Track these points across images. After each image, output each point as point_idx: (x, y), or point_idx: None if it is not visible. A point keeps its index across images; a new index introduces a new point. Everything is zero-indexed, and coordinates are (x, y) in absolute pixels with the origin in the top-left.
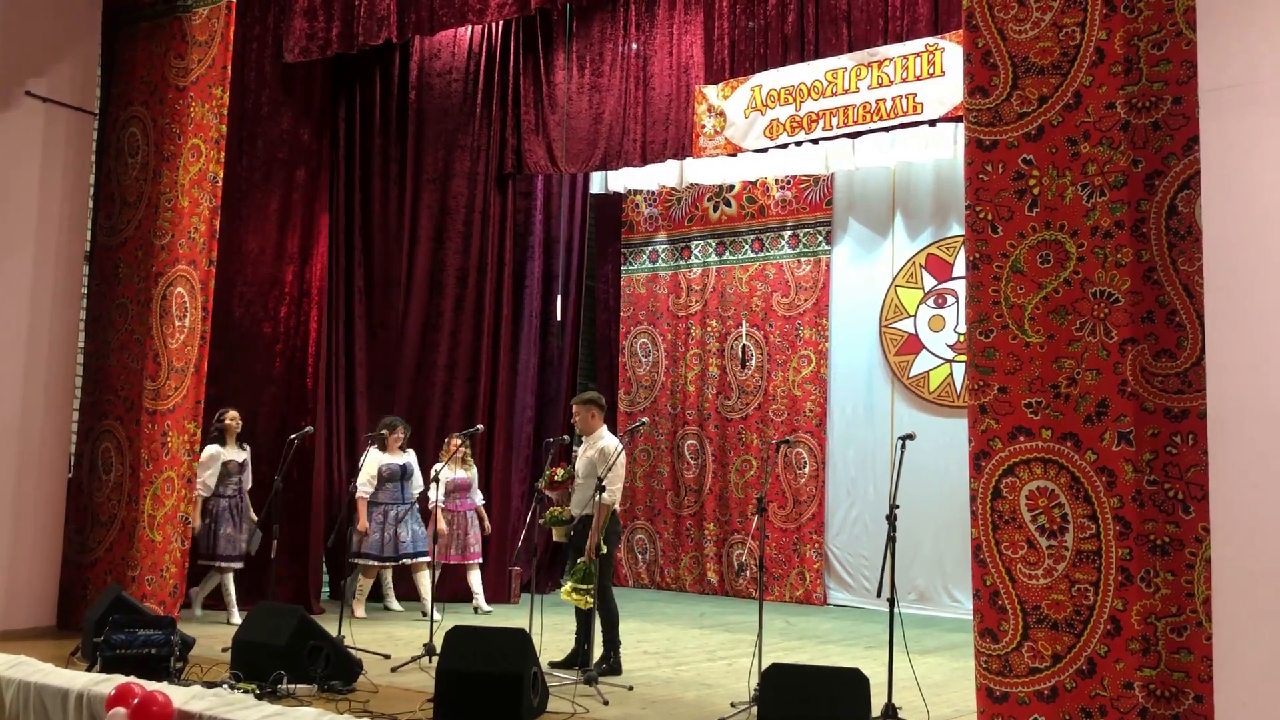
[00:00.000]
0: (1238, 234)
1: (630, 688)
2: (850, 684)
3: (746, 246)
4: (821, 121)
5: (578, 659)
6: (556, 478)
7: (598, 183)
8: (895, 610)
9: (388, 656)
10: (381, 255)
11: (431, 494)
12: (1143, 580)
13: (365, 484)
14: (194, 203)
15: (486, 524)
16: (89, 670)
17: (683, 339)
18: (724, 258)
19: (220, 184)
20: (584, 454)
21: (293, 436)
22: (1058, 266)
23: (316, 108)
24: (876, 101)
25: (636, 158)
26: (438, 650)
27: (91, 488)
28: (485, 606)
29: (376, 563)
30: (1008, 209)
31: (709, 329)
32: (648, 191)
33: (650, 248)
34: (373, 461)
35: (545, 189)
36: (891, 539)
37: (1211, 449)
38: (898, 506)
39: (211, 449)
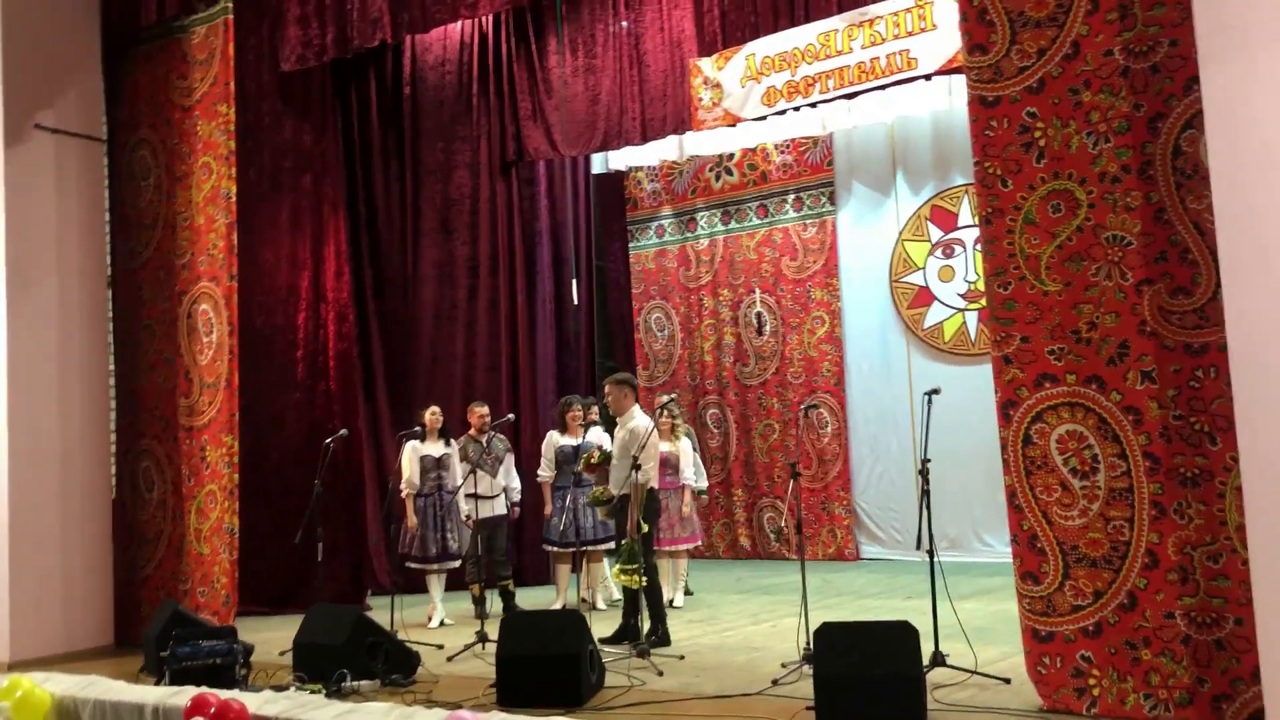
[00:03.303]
0: (1244, 172)
1: (681, 657)
2: (900, 636)
3: (751, 214)
4: (818, 84)
5: (627, 634)
6: (594, 459)
7: (598, 163)
8: (935, 561)
9: (441, 647)
10: (390, 252)
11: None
12: (1176, 512)
13: (544, 469)
14: (210, 220)
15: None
16: (158, 685)
17: (696, 310)
18: (730, 226)
19: (234, 199)
20: (618, 434)
21: (328, 440)
22: (1069, 215)
23: (316, 113)
24: (871, 60)
25: (636, 136)
26: (490, 637)
27: (135, 507)
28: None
29: (560, 547)
30: (1016, 162)
31: (721, 298)
32: (649, 167)
33: (656, 223)
34: (549, 444)
35: (548, 174)
36: (926, 491)
37: (1235, 381)
38: (929, 460)
39: (410, 444)
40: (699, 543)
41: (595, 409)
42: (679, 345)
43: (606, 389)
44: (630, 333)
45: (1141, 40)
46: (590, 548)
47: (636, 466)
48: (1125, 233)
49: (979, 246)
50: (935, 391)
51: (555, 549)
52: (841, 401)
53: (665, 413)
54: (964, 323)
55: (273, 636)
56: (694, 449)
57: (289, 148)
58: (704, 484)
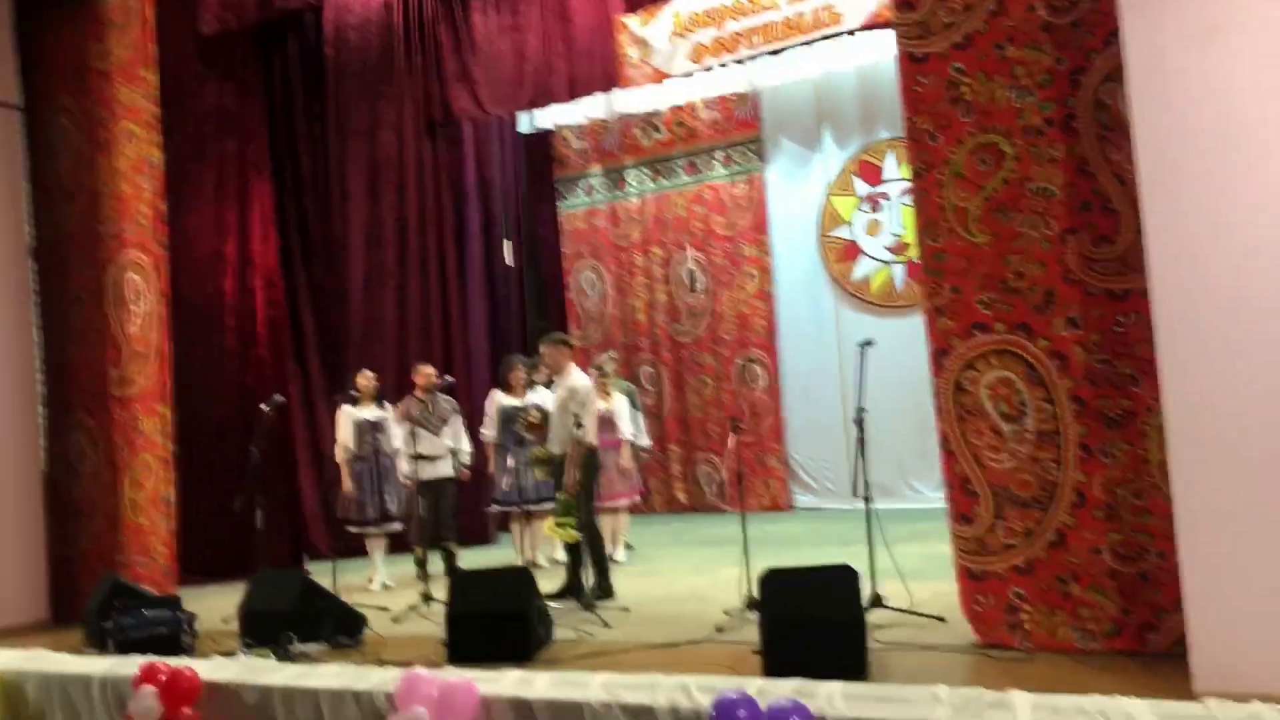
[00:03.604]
0: (1165, 123)
1: (626, 609)
2: (841, 579)
3: (680, 171)
4: (744, 41)
5: (572, 589)
6: (534, 419)
7: (525, 123)
8: (870, 507)
9: (385, 609)
10: (317, 216)
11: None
12: (1101, 453)
13: (488, 429)
14: (136, 188)
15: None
16: (102, 656)
17: (628, 269)
18: (659, 184)
19: (161, 167)
20: (557, 394)
21: (264, 406)
22: (996, 167)
23: (238, 77)
24: (797, 15)
25: (564, 94)
26: (434, 597)
27: (68, 480)
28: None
29: (509, 507)
30: (944, 117)
31: (653, 256)
32: (576, 126)
33: (585, 181)
34: (493, 403)
35: (475, 135)
36: (862, 440)
37: (1156, 326)
38: (865, 410)
39: (345, 409)
40: (639, 497)
41: (541, 370)
42: (611, 304)
43: (542, 349)
44: (562, 292)
45: None
46: (533, 507)
47: (579, 424)
48: (1050, 184)
49: (906, 200)
50: (869, 343)
51: (501, 509)
52: (773, 355)
53: (597, 372)
54: (891, 275)
55: (214, 605)
56: (637, 406)
57: (212, 113)
58: (646, 442)
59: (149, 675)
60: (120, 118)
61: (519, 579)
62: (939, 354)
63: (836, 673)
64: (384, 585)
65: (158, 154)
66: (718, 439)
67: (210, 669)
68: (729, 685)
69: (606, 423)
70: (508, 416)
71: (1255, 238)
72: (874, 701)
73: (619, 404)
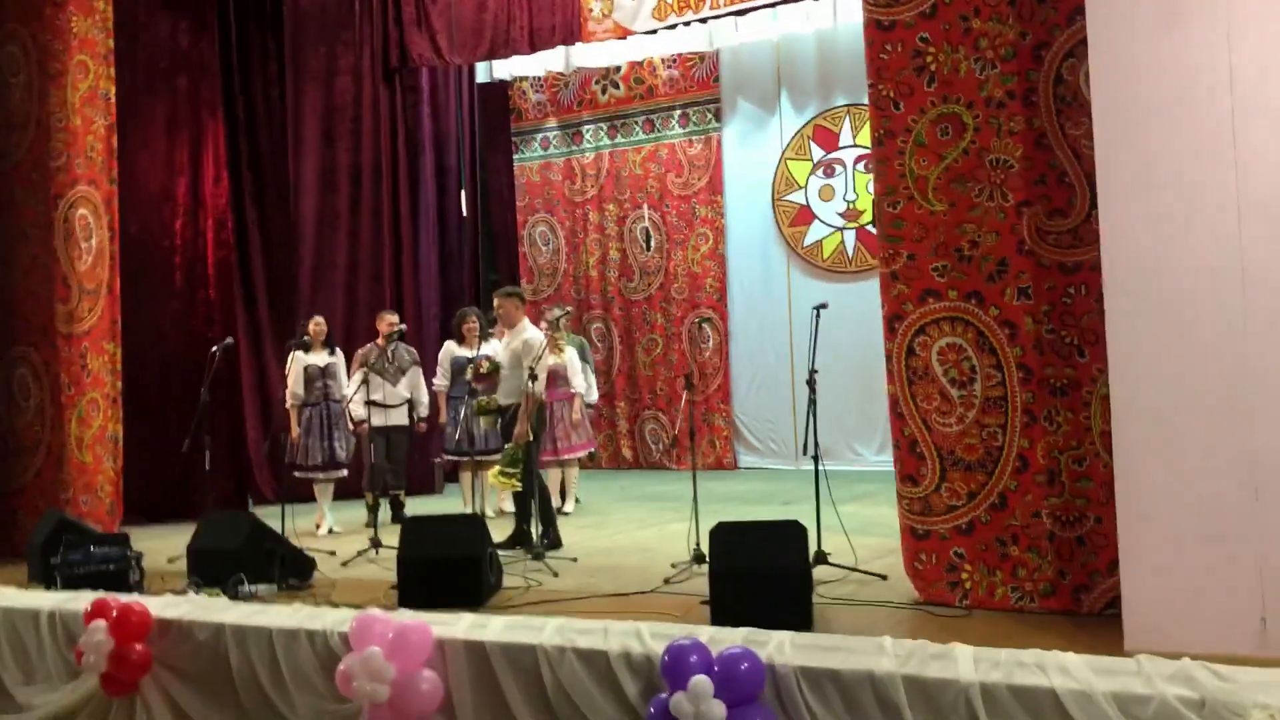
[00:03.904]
0: (1123, 101)
1: (574, 559)
2: (789, 534)
3: (638, 128)
4: (708, 0)
5: (520, 539)
6: (483, 370)
7: (483, 72)
8: (819, 467)
9: (333, 554)
10: (270, 158)
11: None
12: (1045, 420)
13: (440, 379)
14: (87, 121)
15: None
16: (48, 591)
17: (581, 225)
18: (616, 141)
19: (113, 100)
20: (509, 345)
21: (214, 349)
22: (956, 138)
23: (194, 12)
24: None
25: (525, 45)
26: (383, 543)
27: (11, 415)
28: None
29: (459, 457)
30: (908, 86)
31: (607, 213)
32: (534, 78)
33: (541, 135)
34: (446, 354)
35: (431, 82)
36: (813, 401)
37: (1106, 298)
38: (816, 371)
39: (294, 355)
40: (594, 448)
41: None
42: (564, 259)
43: (496, 301)
44: (514, 245)
45: None
46: (483, 458)
47: (534, 377)
48: (1008, 156)
49: (862, 166)
50: (823, 306)
51: (451, 459)
52: (724, 316)
53: (549, 325)
54: (842, 241)
55: (156, 545)
56: (588, 361)
57: (165, 47)
58: (594, 397)
59: (100, 610)
60: (73, 49)
61: (472, 525)
62: (892, 318)
63: (782, 624)
64: (330, 530)
65: (111, 88)
66: (664, 397)
67: (160, 606)
68: (681, 632)
69: (558, 376)
70: (460, 368)
71: (1202, 220)
72: (821, 651)
73: (570, 356)
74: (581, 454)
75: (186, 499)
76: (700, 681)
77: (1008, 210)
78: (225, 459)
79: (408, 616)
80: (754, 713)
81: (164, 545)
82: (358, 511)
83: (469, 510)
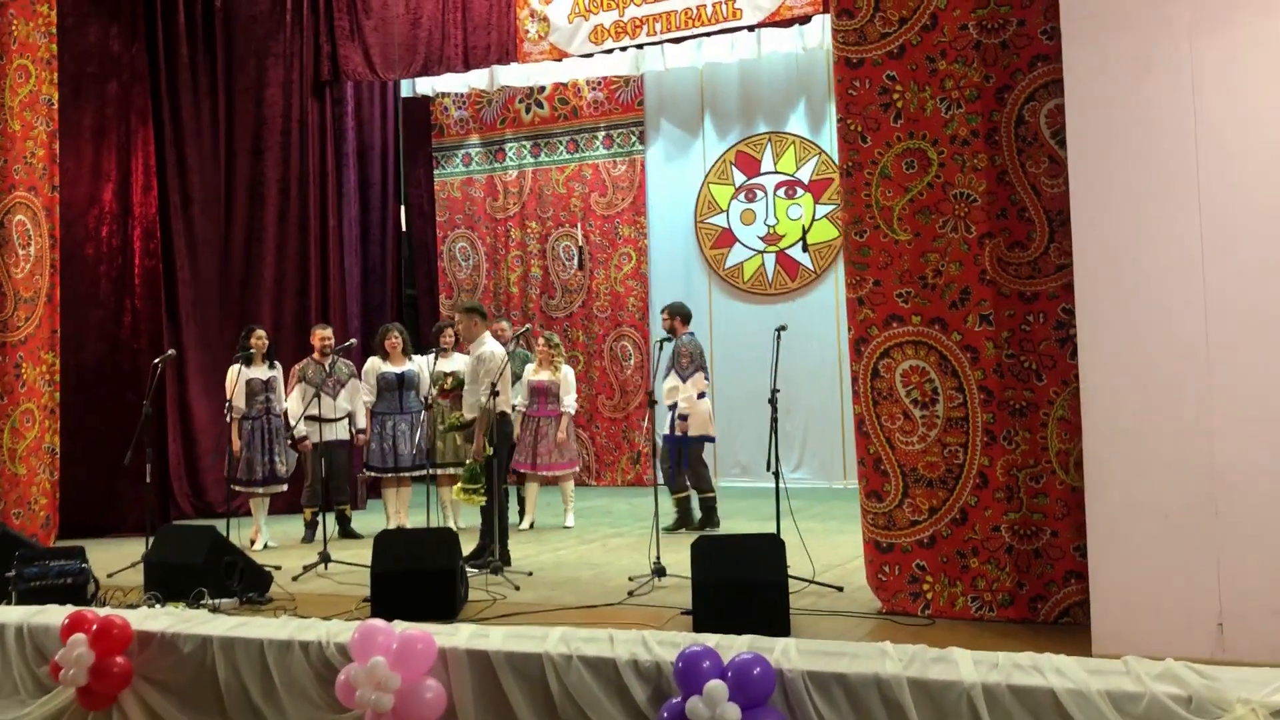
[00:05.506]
0: (1098, 144)
1: (530, 573)
2: (768, 548)
3: (561, 148)
4: (645, 27)
5: (485, 554)
6: (446, 386)
7: (406, 87)
8: (780, 484)
9: (278, 568)
10: (198, 169)
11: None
12: (1005, 439)
13: (365, 395)
14: (27, 126)
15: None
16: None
17: (503, 241)
18: (540, 159)
19: (55, 106)
20: (469, 361)
21: (156, 361)
22: (921, 171)
23: (125, 18)
24: (697, 7)
25: (459, 64)
26: (332, 558)
27: None
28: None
29: (383, 473)
30: (875, 120)
31: (529, 230)
32: (456, 94)
33: (463, 151)
34: (370, 371)
35: (356, 95)
36: (774, 419)
37: (1080, 328)
38: (779, 390)
39: (235, 368)
40: (576, 469)
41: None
42: (484, 275)
43: (457, 318)
44: (434, 260)
45: (994, 18)
46: (405, 474)
47: (495, 393)
48: (971, 190)
49: (782, 194)
50: (783, 328)
51: (374, 474)
52: (645, 335)
53: (546, 342)
54: (762, 264)
55: (111, 559)
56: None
57: (95, 51)
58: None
59: (78, 624)
60: (12, 53)
61: (443, 538)
62: (858, 341)
63: (762, 633)
64: (266, 545)
65: (54, 93)
66: (584, 414)
67: (139, 618)
68: (685, 640)
69: (550, 393)
70: (386, 383)
71: (1168, 256)
72: (826, 656)
73: (567, 375)
74: (561, 473)
75: (114, 512)
76: (715, 686)
77: (970, 241)
78: (150, 472)
79: (403, 626)
80: (766, 715)
81: (98, 559)
82: (291, 525)
83: (394, 526)
